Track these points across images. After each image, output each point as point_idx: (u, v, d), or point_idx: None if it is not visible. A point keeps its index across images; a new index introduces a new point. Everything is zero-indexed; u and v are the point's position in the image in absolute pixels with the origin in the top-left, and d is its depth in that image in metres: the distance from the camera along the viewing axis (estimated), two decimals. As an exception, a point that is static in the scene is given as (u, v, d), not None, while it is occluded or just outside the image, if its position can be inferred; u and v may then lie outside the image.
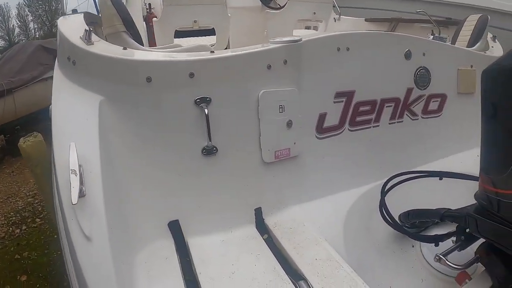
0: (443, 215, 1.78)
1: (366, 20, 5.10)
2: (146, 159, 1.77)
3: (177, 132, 1.78)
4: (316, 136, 2.14)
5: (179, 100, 1.75)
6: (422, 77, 2.48)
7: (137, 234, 1.72)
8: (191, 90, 1.74)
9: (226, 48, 4.14)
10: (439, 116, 2.63)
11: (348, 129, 2.25)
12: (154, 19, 3.66)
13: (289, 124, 1.96)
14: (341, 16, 5.29)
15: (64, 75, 1.94)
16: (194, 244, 1.80)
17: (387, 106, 2.37)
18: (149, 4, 4.97)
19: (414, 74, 2.44)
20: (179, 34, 3.86)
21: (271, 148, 1.95)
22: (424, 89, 2.50)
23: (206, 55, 1.78)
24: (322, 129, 2.15)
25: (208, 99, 1.76)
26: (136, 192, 1.75)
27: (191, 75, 1.72)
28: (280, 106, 1.93)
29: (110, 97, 1.73)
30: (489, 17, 3.23)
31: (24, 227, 5.47)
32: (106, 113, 1.72)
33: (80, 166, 1.46)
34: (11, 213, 5.96)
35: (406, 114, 2.49)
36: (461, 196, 1.88)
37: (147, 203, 1.78)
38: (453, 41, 3.65)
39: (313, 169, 2.14)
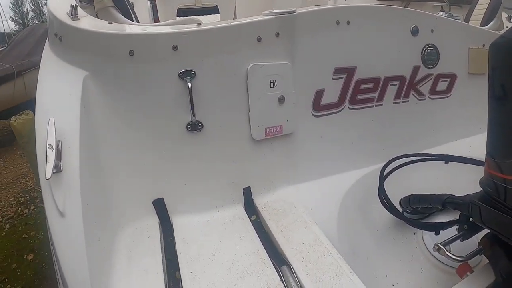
0: (445, 202, 1.67)
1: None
2: (129, 134, 1.69)
3: (160, 107, 1.70)
4: (312, 114, 2.03)
5: (162, 73, 1.66)
6: (430, 55, 2.34)
7: (120, 211, 1.66)
8: (174, 64, 1.65)
9: None
10: (448, 97, 2.50)
11: (349, 107, 2.13)
12: None
13: (281, 99, 1.85)
14: None
15: (52, 51, 1.87)
16: (179, 223, 1.73)
17: (391, 85, 2.24)
18: None
19: (422, 52, 2.30)
20: (183, 12, 3.77)
21: (261, 125, 1.84)
22: (432, 67, 2.37)
23: (190, 27, 1.69)
24: (319, 106, 2.03)
25: (192, 72, 1.67)
26: (119, 169, 1.68)
27: (175, 47, 1.63)
28: (271, 81, 1.82)
29: (94, 72, 1.66)
30: (504, -6, 3.06)
31: (32, 207, 5.53)
32: (90, 88, 1.64)
33: (58, 141, 1.41)
34: (21, 193, 6.02)
35: (412, 94, 2.36)
36: (467, 182, 1.78)
37: (131, 180, 1.71)
38: (466, 21, 3.49)
39: (308, 148, 2.03)
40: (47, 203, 1.33)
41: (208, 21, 3.74)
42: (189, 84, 1.66)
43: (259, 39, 1.77)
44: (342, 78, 2.06)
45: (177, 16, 3.58)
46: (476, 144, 2.55)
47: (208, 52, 1.70)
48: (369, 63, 2.13)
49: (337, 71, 2.04)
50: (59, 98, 1.59)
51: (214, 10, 3.73)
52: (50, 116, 1.45)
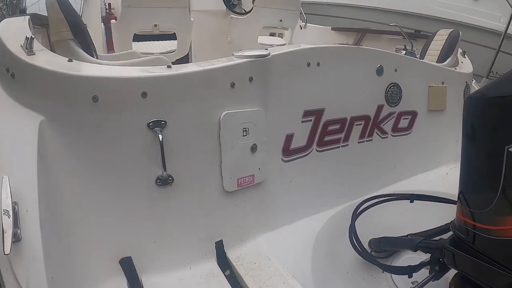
0: (417, 246, 1.69)
1: (332, 29, 4.99)
2: (93, 190, 1.57)
3: (128, 159, 1.58)
4: (282, 159, 2.00)
5: (130, 123, 1.54)
6: (394, 94, 2.38)
7: (85, 275, 1.53)
8: (143, 112, 1.54)
9: (186, 55, 4.00)
10: (409, 133, 2.55)
11: (316, 149, 2.13)
12: (113, 21, 3.42)
13: (254, 148, 1.81)
14: (308, 24, 5.17)
15: (3, 88, 1.69)
16: (149, 283, 1.62)
17: (356, 125, 2.27)
18: (109, 4, 4.69)
19: (386, 91, 2.34)
20: (139, 37, 3.65)
21: (233, 176, 1.79)
22: (395, 106, 2.41)
23: (161, 72, 1.59)
24: (289, 151, 2.01)
25: (163, 122, 1.57)
26: (83, 228, 1.55)
27: (144, 94, 1.52)
28: (244, 129, 1.76)
29: (52, 117, 1.50)
30: (460, 32, 3.19)
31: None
32: (47, 136, 1.48)
33: (15, 203, 1.24)
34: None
35: (376, 132, 2.39)
36: (432, 217, 1.90)
37: (96, 239, 1.58)
38: (422, 55, 3.60)
39: (279, 194, 2.00)
40: (7, 281, 1.17)
41: (167, 48, 3.65)
42: (160, 136, 1.56)
43: (232, 85, 1.71)
44: (310, 120, 2.05)
45: (133, 41, 3.44)
46: (434, 178, 2.64)
47: (180, 100, 1.60)
48: (337, 103, 2.13)
49: (306, 113, 2.02)
50: (12, 149, 1.41)
51: (171, 37, 3.63)
52: (2, 173, 1.29)
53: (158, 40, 3.88)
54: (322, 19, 6.32)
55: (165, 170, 1.59)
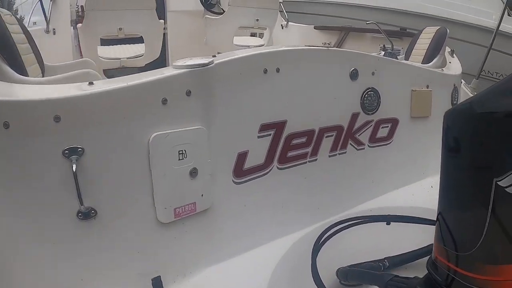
0: (387, 284, 1.45)
1: (315, 28, 4.81)
2: (6, 227, 1.34)
3: (46, 191, 1.34)
4: (233, 181, 1.74)
5: (44, 151, 1.30)
6: (371, 100, 2.11)
7: None
8: (57, 139, 1.30)
9: (157, 59, 3.71)
10: (389, 143, 2.29)
11: (278, 167, 1.87)
12: (79, 25, 3.16)
13: (194, 173, 1.55)
14: (289, 23, 4.96)
15: None
16: None
17: (327, 136, 2.00)
18: (82, 7, 4.43)
19: (361, 97, 2.08)
20: (109, 42, 3.40)
21: (169, 206, 1.52)
22: (373, 113, 2.15)
23: (76, 91, 1.32)
24: (242, 172, 1.75)
25: (79, 149, 1.32)
26: (6, 268, 1.32)
27: (56, 118, 1.27)
28: (181, 152, 1.50)
29: None
30: (448, 30, 2.92)
31: None
32: None
33: None
34: None
35: (351, 144, 2.12)
36: (413, 237, 1.72)
37: (10, 283, 1.35)
38: (407, 55, 3.35)
39: (231, 221, 1.74)
40: None
41: (135, 52, 3.38)
42: (74, 166, 1.29)
43: (164, 101, 1.45)
44: (269, 135, 1.79)
45: (100, 45, 3.18)
46: (418, 192, 2.37)
47: (99, 122, 1.35)
48: (302, 114, 1.88)
49: (264, 128, 1.76)
50: None
51: (138, 40, 3.37)
52: None
53: (127, 44, 3.61)
54: (305, 17, 6.11)
55: (82, 204, 1.34)
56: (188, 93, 1.50)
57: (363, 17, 5.72)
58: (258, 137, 1.76)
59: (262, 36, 4.44)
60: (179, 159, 1.50)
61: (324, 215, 2.00)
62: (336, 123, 2.02)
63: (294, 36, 4.90)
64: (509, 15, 5.12)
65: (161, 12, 4.61)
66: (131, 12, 3.02)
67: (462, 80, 3.07)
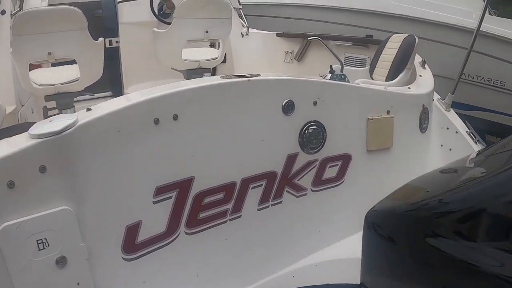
0: None
1: (277, 35, 4.43)
2: None
3: None
4: (124, 258, 1.37)
5: None
6: (313, 136, 1.69)
7: None
8: None
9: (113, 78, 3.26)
10: (339, 184, 1.87)
11: (186, 232, 1.48)
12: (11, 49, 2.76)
13: (62, 261, 1.26)
14: (250, 30, 4.57)
15: None
16: None
17: (253, 188, 1.60)
18: None
19: (300, 134, 1.65)
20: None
21: None
22: (316, 152, 1.73)
23: None
24: (134, 246, 1.38)
25: None
26: None
27: None
28: (40, 241, 1.21)
29: None
30: (416, 38, 2.49)
31: None
32: None
33: None
34: None
35: (288, 191, 1.71)
36: None
37: None
38: (372, 67, 2.92)
39: None
40: None
41: (70, 76, 2.95)
42: None
43: (10, 185, 1.14)
44: (170, 197, 1.42)
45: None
46: None
47: None
48: (216, 166, 1.49)
49: (162, 190, 1.39)
50: None
51: (72, 63, 3.01)
52: None
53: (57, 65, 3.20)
54: (267, 20, 5.68)
55: None
56: (42, 170, 1.19)
57: (330, 19, 5.29)
58: (154, 202, 1.39)
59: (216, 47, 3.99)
60: (39, 249, 1.21)
61: (254, 277, 1.66)
62: (266, 170, 1.61)
63: (255, 45, 4.57)
64: (490, 13, 4.72)
65: (113, 24, 4.23)
66: (61, 34, 2.64)
67: (435, 96, 2.66)
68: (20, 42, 2.56)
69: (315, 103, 1.66)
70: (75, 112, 3.13)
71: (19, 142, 1.15)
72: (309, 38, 2.64)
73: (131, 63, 4.34)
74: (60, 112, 3.05)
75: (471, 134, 2.52)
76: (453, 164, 1.57)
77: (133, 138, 1.31)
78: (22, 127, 2.15)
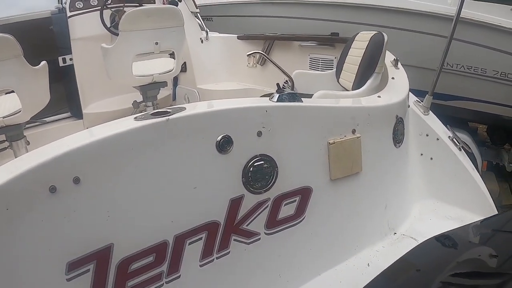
0: None
1: (238, 38, 4.20)
2: None
3: None
4: None
5: None
6: (260, 173, 1.42)
7: None
8: None
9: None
10: (300, 221, 1.59)
11: None
12: None
13: None
14: (210, 34, 4.34)
15: None
16: None
17: (191, 243, 1.32)
18: None
19: (243, 173, 1.37)
20: None
21: None
22: (267, 190, 1.44)
23: None
24: None
25: None
26: None
27: None
28: None
29: None
30: (385, 36, 2.19)
31: None
32: None
33: None
34: None
35: (235, 240, 1.43)
36: None
37: None
38: (338, 69, 2.62)
39: None
40: None
41: (8, 108, 2.70)
42: None
43: None
44: (88, 270, 1.18)
45: None
46: (348, 276, 1.70)
47: None
48: (138, 227, 1.24)
49: (75, 265, 1.15)
50: None
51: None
52: None
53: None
54: (234, 20, 5.43)
55: None
56: None
57: (296, 15, 5.02)
58: (68, 279, 1.16)
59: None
60: None
61: None
62: (205, 221, 1.33)
63: (216, 50, 4.35)
64: (467, -3, 4.45)
65: (65, 41, 4.01)
66: None
67: (412, 98, 2.38)
68: None
69: (259, 134, 1.38)
70: (26, 143, 2.89)
71: None
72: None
73: (87, 80, 4.09)
74: (10, 145, 2.86)
75: (454, 140, 2.25)
76: (452, 232, 1.36)
77: (27, 214, 1.07)
78: None
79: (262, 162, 1.39)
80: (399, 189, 2.05)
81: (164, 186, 1.25)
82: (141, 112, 3.42)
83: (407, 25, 4.35)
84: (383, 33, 2.24)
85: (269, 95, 1.49)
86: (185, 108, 1.27)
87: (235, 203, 1.37)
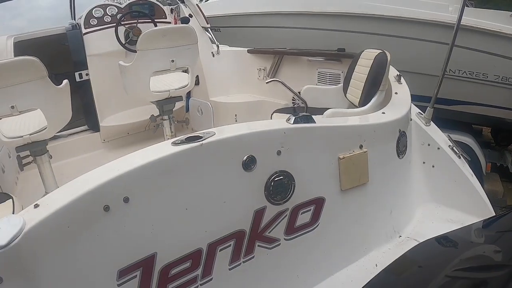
0: None
1: (248, 51, 4.35)
2: None
3: None
4: None
5: None
6: (280, 187, 1.60)
7: None
8: None
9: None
10: (314, 228, 1.78)
11: None
12: None
13: None
14: (221, 47, 4.50)
15: None
16: None
17: (221, 250, 1.52)
18: None
19: (266, 187, 1.56)
20: None
21: None
22: (285, 201, 1.64)
23: None
24: None
25: None
26: None
27: None
28: None
29: None
30: (388, 55, 2.39)
31: None
32: None
33: None
34: None
35: (259, 245, 1.63)
36: None
37: None
38: (345, 84, 2.82)
39: None
40: None
41: (36, 126, 2.87)
42: None
43: None
44: (135, 276, 1.36)
45: None
46: (359, 275, 1.88)
47: None
48: (177, 237, 1.43)
49: (125, 272, 1.33)
50: None
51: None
52: None
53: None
54: (241, 31, 5.58)
55: None
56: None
57: (303, 25, 5.19)
58: (119, 285, 1.34)
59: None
60: None
61: None
62: (233, 230, 1.53)
63: (227, 63, 4.50)
64: (467, 5, 4.62)
65: (81, 57, 4.20)
66: (21, 87, 2.54)
67: (414, 110, 2.56)
68: None
69: (278, 153, 1.58)
70: (49, 157, 3.09)
71: None
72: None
73: (103, 94, 4.27)
74: (34, 159, 3.02)
75: (453, 148, 2.44)
76: (452, 233, 1.53)
77: (85, 230, 1.24)
78: None
79: (282, 177, 1.59)
80: (403, 195, 2.24)
81: (199, 201, 1.44)
82: (157, 125, 3.61)
83: (410, 33, 4.51)
84: (386, 52, 2.42)
85: (287, 119, 1.68)
86: (214, 133, 1.46)
87: (259, 213, 1.56)
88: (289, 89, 2.24)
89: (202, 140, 1.40)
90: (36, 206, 1.21)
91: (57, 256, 1.20)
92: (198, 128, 4.54)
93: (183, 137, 1.46)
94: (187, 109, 4.68)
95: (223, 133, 1.48)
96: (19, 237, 1.11)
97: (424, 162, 2.46)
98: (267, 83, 2.36)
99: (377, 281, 1.26)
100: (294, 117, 1.66)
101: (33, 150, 3.00)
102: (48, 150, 3.11)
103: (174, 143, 1.42)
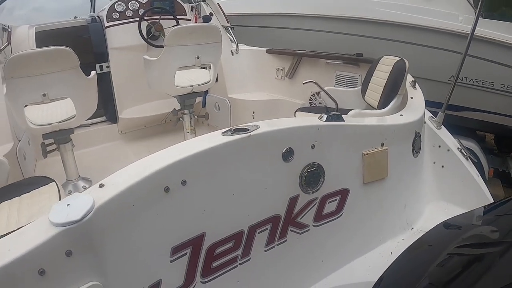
0: None
1: (267, 51, 4.48)
2: None
3: None
4: None
5: None
6: (312, 178, 1.78)
7: None
8: None
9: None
10: (338, 217, 1.97)
11: (201, 281, 1.57)
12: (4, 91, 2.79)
13: None
14: (240, 47, 4.64)
15: None
16: None
17: (259, 232, 1.70)
18: None
19: (300, 177, 1.74)
20: None
21: None
22: (316, 191, 1.82)
23: None
24: None
25: None
26: None
27: None
28: None
29: None
30: (407, 63, 2.57)
31: None
32: None
33: None
34: None
35: (291, 230, 1.81)
36: None
37: None
38: (364, 88, 3.01)
39: None
40: None
41: (64, 114, 3.01)
42: None
43: (41, 272, 1.17)
44: (185, 254, 1.50)
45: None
46: (375, 262, 2.07)
47: None
48: (224, 219, 1.58)
49: (177, 250, 1.47)
50: None
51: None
52: None
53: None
54: (261, 31, 5.71)
55: None
56: (69, 254, 1.22)
57: (318, 28, 5.34)
58: (172, 261, 1.47)
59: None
60: None
61: None
62: (271, 215, 1.71)
63: (246, 62, 4.62)
64: (482, 17, 4.79)
65: (103, 50, 4.31)
66: (54, 76, 2.67)
67: (427, 114, 2.75)
68: (13, 85, 2.61)
69: (312, 147, 1.75)
70: (72, 146, 3.23)
71: (42, 231, 1.19)
72: (304, 83, 2.68)
73: (122, 87, 4.38)
74: (58, 147, 3.15)
75: (462, 151, 2.62)
76: (457, 218, 1.72)
77: (147, 209, 1.36)
78: (28, 183, 2.22)
79: (314, 168, 1.77)
80: (416, 191, 2.43)
81: (244, 187, 1.61)
82: (177, 118, 3.75)
83: (421, 40, 4.67)
84: (405, 59, 2.61)
85: (320, 116, 1.86)
86: (259, 126, 1.64)
87: (293, 201, 1.74)
88: (323, 90, 2.41)
89: (250, 132, 1.58)
90: (101, 185, 1.33)
91: (121, 232, 1.32)
92: (214, 123, 4.69)
93: (231, 128, 1.63)
94: (204, 105, 4.82)
95: (266, 127, 1.66)
96: (91, 213, 1.22)
97: (434, 162, 2.65)
98: (303, 83, 2.52)
99: (401, 257, 1.46)
100: (326, 115, 1.85)
101: (58, 138, 3.13)
102: (71, 139, 3.26)
103: (224, 134, 1.58)
